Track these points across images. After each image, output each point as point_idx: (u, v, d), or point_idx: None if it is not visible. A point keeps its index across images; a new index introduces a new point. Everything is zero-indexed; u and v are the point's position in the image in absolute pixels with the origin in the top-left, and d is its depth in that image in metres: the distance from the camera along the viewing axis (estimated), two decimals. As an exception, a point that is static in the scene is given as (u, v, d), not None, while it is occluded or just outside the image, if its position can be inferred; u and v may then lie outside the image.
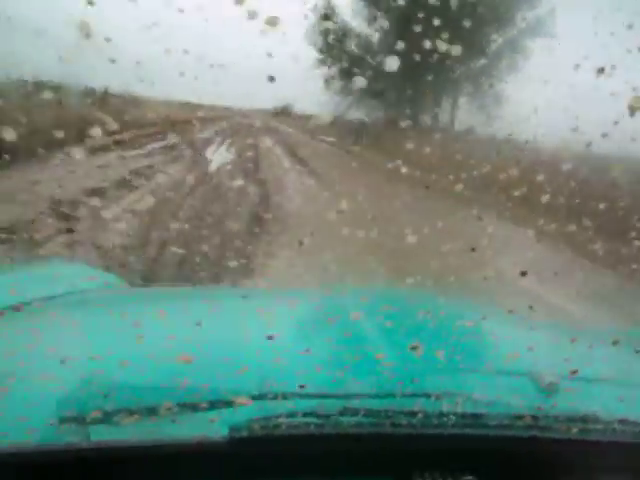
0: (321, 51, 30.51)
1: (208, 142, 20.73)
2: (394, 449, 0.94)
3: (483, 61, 30.81)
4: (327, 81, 30.46)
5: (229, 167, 15.16)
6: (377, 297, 1.87)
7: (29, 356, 1.18)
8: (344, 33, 30.18)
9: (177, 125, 25.17)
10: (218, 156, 16.87)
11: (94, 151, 13.25)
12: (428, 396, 1.05)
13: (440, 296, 1.90)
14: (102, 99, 18.12)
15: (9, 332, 1.38)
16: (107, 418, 0.90)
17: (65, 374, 1.09)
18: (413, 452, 0.95)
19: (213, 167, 14.82)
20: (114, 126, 1.57)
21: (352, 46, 30.64)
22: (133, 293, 2.33)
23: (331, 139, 34.34)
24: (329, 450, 0.92)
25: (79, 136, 1.61)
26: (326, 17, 29.60)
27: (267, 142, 25.73)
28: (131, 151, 15.19)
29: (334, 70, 30.80)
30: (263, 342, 1.24)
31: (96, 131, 1.46)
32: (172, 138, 19.61)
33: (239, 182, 11.99)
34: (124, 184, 10.81)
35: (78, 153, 1.78)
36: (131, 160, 13.74)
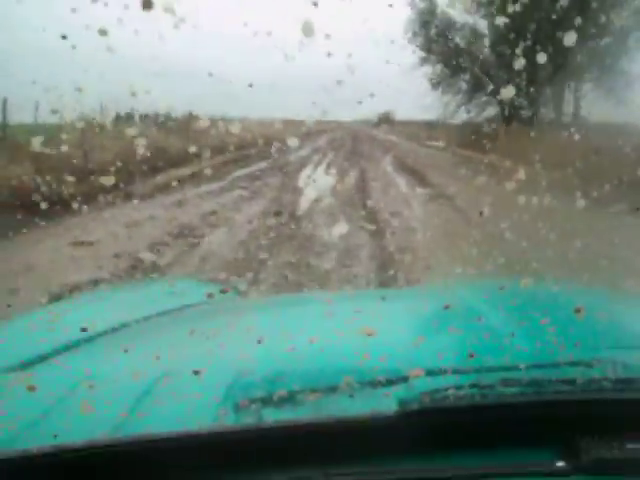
0: (423, 48, 27.52)
1: (303, 163, 18.60)
2: (556, 416, 0.94)
3: (607, 39, 26.64)
4: (433, 81, 27.39)
5: (327, 201, 11.47)
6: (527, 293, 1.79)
7: (228, 339, 1.30)
8: (447, 25, 27.04)
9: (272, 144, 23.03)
10: (313, 184, 14.10)
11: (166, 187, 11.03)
12: (585, 364, 1.08)
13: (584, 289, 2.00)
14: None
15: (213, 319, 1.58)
16: (292, 396, 0.97)
17: (259, 354, 1.18)
18: (575, 418, 0.95)
19: (305, 203, 11.32)
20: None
21: (457, 39, 27.42)
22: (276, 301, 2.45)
23: (439, 143, 31.36)
24: (493, 419, 0.94)
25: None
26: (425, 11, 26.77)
27: (372, 154, 23.08)
28: (209, 184, 12.95)
29: (439, 68, 27.67)
30: (438, 314, 1.37)
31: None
32: (261, 161, 17.46)
33: (342, 228, 7.87)
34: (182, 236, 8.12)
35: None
36: (204, 198, 11.50)
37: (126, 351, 1.31)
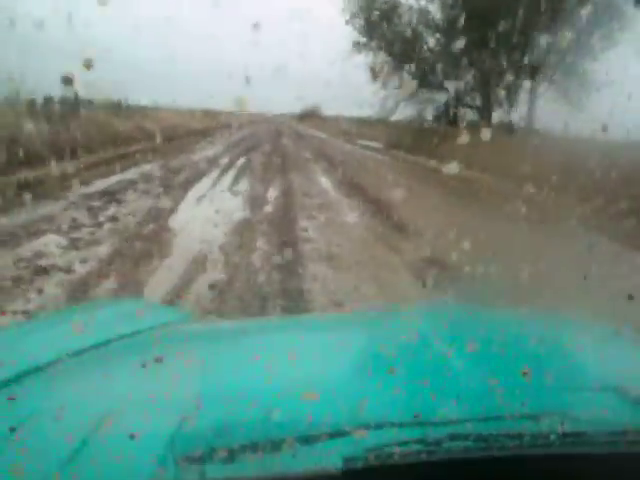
0: (362, 32, 23.35)
1: (203, 170, 13.20)
2: (504, 472, 0.97)
3: (569, 33, 23.43)
4: (373, 71, 23.20)
5: (214, 276, 5.48)
6: (484, 322, 1.90)
7: (156, 395, 1.22)
8: (392, 7, 22.96)
9: (172, 140, 18.40)
10: (204, 212, 8.38)
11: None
12: (532, 418, 1.07)
13: (539, 317, 1.97)
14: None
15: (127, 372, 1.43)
16: (232, 456, 0.94)
17: (194, 415, 1.13)
18: (522, 474, 0.97)
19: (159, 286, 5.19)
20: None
21: (402, 25, 23.42)
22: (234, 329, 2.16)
23: (376, 144, 27.40)
24: (441, 476, 0.95)
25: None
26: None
27: (297, 157, 18.88)
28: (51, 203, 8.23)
29: (381, 56, 23.54)
30: (384, 376, 1.31)
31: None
32: (145, 164, 13.18)
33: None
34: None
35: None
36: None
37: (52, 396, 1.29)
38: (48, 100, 14.27)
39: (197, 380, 1.35)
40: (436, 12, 23.00)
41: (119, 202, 8.79)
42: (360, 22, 23.38)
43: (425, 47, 23.50)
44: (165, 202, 8.88)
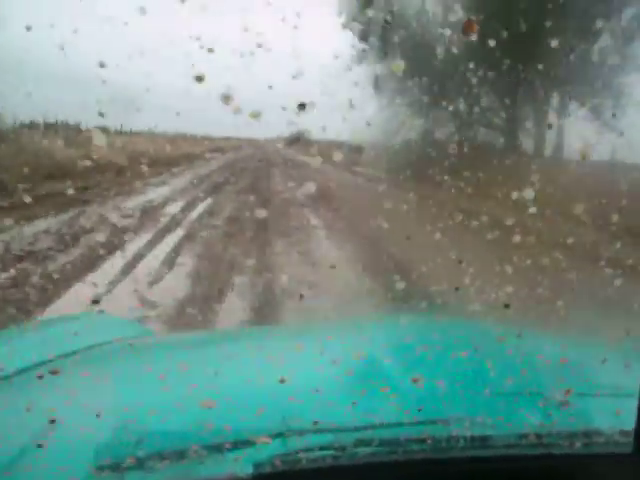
0: (363, 37, 19.21)
1: (135, 227, 8.66)
2: (408, 476, 0.99)
3: (603, 43, 19.80)
4: (376, 83, 18.98)
5: None
6: (380, 331, 1.97)
7: (67, 412, 1.23)
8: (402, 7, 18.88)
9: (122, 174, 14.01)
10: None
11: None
12: (435, 422, 1.11)
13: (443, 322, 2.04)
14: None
15: (47, 392, 1.43)
16: (141, 464, 0.95)
17: (100, 426, 1.15)
18: (426, 477, 1.00)
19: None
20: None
21: (412, 26, 19.42)
22: (155, 343, 2.28)
23: (375, 173, 23.10)
24: None
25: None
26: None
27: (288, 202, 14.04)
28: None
29: (383, 66, 19.34)
30: (277, 385, 1.31)
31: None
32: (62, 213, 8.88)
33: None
34: None
35: None
36: None
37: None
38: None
39: (99, 394, 1.37)
40: (453, 11, 18.93)
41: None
42: (359, 26, 19.28)
43: (440, 54, 19.40)
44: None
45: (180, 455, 0.97)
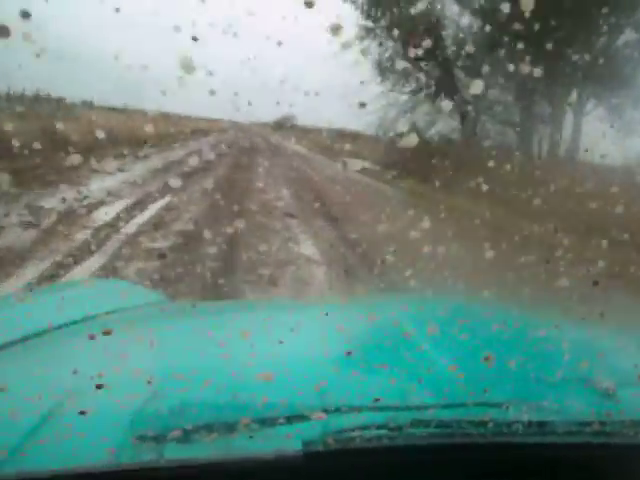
0: (369, 10, 16.82)
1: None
2: (466, 459, 0.96)
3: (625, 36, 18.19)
4: (381, 66, 16.61)
5: None
6: (450, 310, 1.90)
7: (114, 377, 1.18)
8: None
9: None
10: None
11: None
12: (497, 405, 1.07)
13: (512, 307, 1.97)
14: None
15: (97, 354, 1.39)
16: (186, 436, 0.92)
17: (146, 393, 1.11)
18: (484, 461, 0.97)
19: None
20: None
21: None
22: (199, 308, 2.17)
23: (371, 166, 20.70)
24: (402, 462, 0.94)
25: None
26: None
27: (271, 201, 11.48)
28: None
29: (391, 46, 16.98)
30: (342, 358, 1.29)
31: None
32: None
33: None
34: None
35: None
36: None
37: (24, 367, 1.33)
38: None
39: (150, 358, 1.32)
40: None
41: None
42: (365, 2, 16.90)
43: (453, 36, 17.18)
44: None
45: (229, 428, 0.93)
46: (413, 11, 15.45)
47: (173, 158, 16.15)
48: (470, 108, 19.89)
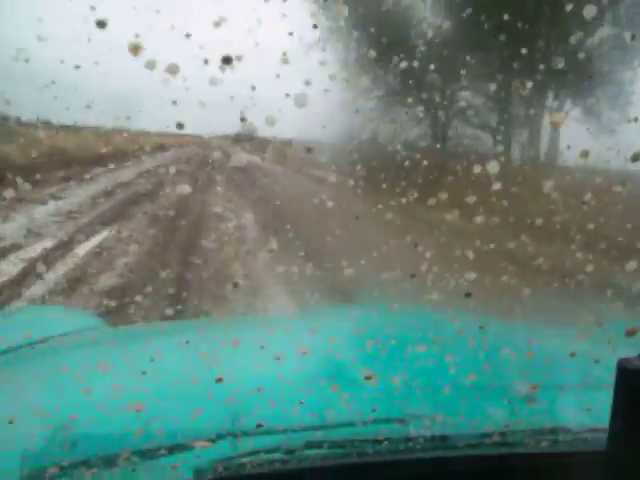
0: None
1: None
2: (363, 478, 0.94)
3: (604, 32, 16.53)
4: (348, 70, 15.25)
5: None
6: (327, 327, 1.85)
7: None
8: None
9: None
10: None
11: None
12: (392, 421, 1.07)
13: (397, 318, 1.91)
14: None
15: None
16: (65, 473, 0.90)
17: (19, 433, 1.08)
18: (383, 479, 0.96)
19: None
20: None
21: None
22: (73, 341, 2.03)
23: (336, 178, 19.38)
24: None
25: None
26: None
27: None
28: None
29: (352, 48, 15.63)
30: (213, 385, 1.22)
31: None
32: None
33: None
34: None
35: None
36: None
37: None
38: None
39: (22, 396, 1.29)
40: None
41: None
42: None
43: (423, 32, 16.09)
44: None
45: (109, 462, 0.90)
46: (383, 8, 14.21)
47: (123, 179, 14.59)
48: (441, 113, 18.88)
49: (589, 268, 2.40)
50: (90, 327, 2.15)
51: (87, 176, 14.34)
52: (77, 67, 1.99)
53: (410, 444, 0.94)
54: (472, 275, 1.92)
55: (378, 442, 0.93)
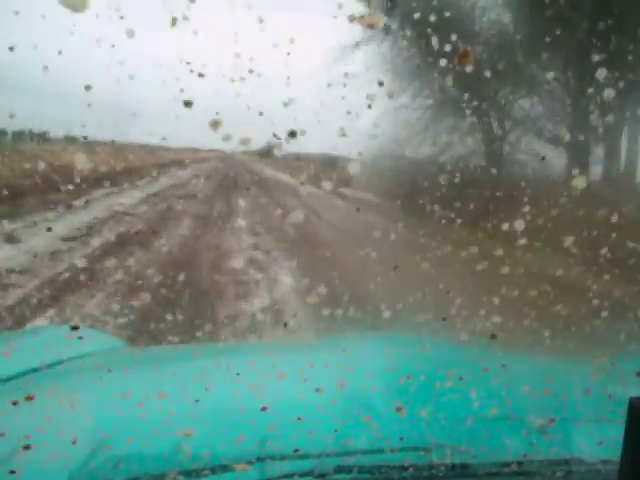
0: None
1: None
2: None
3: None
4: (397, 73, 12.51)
5: None
6: (364, 363, 1.87)
7: (41, 438, 1.19)
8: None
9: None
10: None
11: None
12: (418, 450, 1.10)
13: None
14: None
15: (19, 412, 1.35)
16: None
17: (75, 452, 1.12)
18: None
19: None
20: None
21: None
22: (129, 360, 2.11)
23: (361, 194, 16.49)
24: None
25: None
26: None
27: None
28: None
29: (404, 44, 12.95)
30: (258, 413, 1.28)
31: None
32: None
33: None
34: None
35: None
36: None
37: None
38: None
39: (79, 417, 1.32)
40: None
41: None
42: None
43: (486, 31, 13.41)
44: None
45: None
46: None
47: (123, 205, 12.00)
48: (496, 124, 16.10)
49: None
50: (115, 347, 2.18)
51: (78, 203, 11.72)
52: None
53: (433, 471, 0.99)
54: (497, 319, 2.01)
55: (404, 469, 0.99)
